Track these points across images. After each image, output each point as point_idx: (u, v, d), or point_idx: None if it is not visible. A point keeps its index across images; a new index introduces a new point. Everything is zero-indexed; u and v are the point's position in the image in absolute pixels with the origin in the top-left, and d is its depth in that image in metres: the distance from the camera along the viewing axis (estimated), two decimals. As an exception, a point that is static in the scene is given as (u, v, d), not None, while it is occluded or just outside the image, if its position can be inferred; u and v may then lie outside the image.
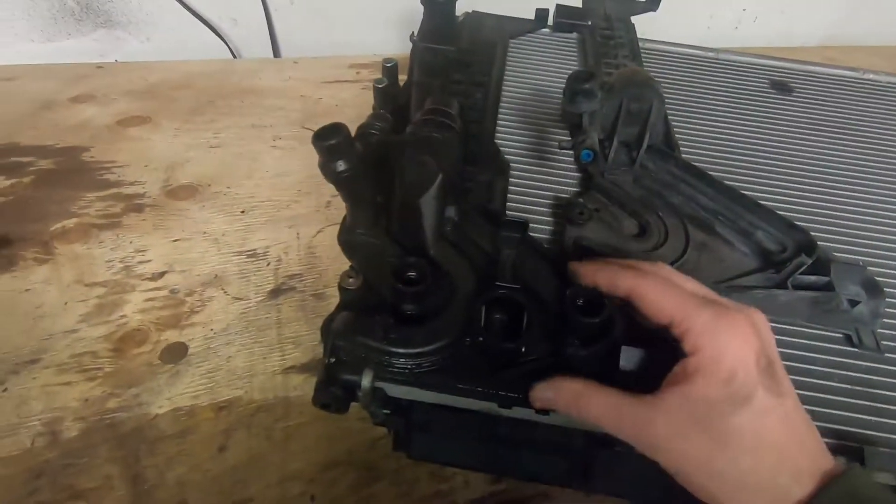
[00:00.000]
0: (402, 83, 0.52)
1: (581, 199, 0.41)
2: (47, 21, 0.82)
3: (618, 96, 0.43)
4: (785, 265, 0.37)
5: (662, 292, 0.28)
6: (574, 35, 0.62)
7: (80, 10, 0.83)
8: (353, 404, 0.31)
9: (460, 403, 0.31)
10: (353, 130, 0.34)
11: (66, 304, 0.50)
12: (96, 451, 0.41)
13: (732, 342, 0.26)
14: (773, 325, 0.29)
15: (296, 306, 0.52)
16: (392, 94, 0.49)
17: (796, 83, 0.60)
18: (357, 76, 0.83)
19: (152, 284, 0.52)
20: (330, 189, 0.32)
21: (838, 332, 0.37)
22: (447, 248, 0.36)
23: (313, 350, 0.48)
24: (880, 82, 0.62)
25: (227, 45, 0.89)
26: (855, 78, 0.62)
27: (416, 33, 0.55)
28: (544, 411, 0.30)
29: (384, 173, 0.35)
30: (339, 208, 0.36)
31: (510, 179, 0.43)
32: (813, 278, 0.37)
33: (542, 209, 0.42)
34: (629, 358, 0.30)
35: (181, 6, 0.83)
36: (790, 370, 0.28)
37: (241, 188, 0.63)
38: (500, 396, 0.30)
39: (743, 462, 0.25)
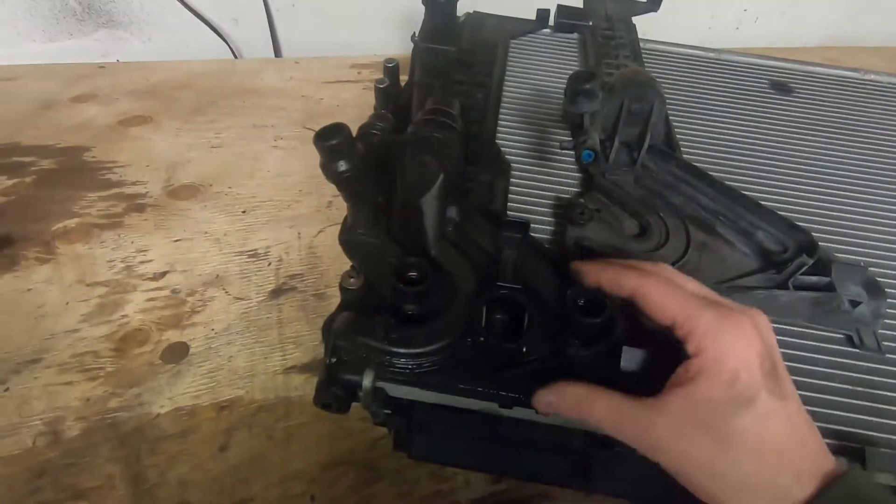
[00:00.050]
0: (403, 83, 0.52)
1: (582, 200, 0.41)
2: (49, 21, 0.82)
3: (619, 97, 0.43)
4: (786, 265, 0.37)
5: (666, 293, 0.28)
6: (575, 35, 0.62)
7: (82, 11, 0.83)
8: (354, 404, 0.31)
9: (461, 403, 0.31)
10: (354, 130, 0.34)
11: (67, 303, 0.50)
12: (98, 451, 0.41)
13: (736, 344, 0.26)
14: (774, 325, 0.29)
15: (297, 306, 0.52)
16: (393, 95, 0.50)
17: (797, 83, 0.60)
18: (358, 76, 0.84)
19: (154, 284, 0.53)
20: (331, 189, 0.32)
21: (839, 333, 0.37)
22: (448, 248, 0.36)
23: (314, 350, 0.48)
24: (881, 83, 0.62)
25: (229, 46, 0.89)
26: (856, 78, 0.62)
27: (417, 33, 0.55)
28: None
29: (385, 173, 0.35)
30: (341, 208, 0.36)
31: (511, 180, 0.43)
32: (814, 279, 0.37)
33: (543, 209, 0.42)
34: (630, 358, 0.30)
35: (183, 6, 0.84)
36: (791, 371, 0.28)
37: (243, 188, 0.63)
38: (500, 396, 0.30)
39: (746, 463, 0.25)
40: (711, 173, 0.43)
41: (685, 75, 0.59)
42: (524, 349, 0.31)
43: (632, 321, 0.31)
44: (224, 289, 0.53)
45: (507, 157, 0.45)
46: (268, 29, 0.90)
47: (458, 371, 0.31)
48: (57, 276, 0.53)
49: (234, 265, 0.55)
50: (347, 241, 0.36)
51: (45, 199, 0.60)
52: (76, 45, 0.85)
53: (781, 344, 0.29)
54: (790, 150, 0.51)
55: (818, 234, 0.39)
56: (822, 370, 0.35)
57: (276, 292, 0.53)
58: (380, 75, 0.50)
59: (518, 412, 0.31)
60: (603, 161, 0.44)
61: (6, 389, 0.44)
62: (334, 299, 0.34)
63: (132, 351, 0.47)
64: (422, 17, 0.56)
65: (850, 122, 0.55)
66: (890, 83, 0.62)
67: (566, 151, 0.44)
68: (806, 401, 0.29)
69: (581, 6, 0.64)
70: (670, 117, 0.49)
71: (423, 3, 0.55)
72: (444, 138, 0.38)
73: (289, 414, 0.44)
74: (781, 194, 0.46)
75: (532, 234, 0.37)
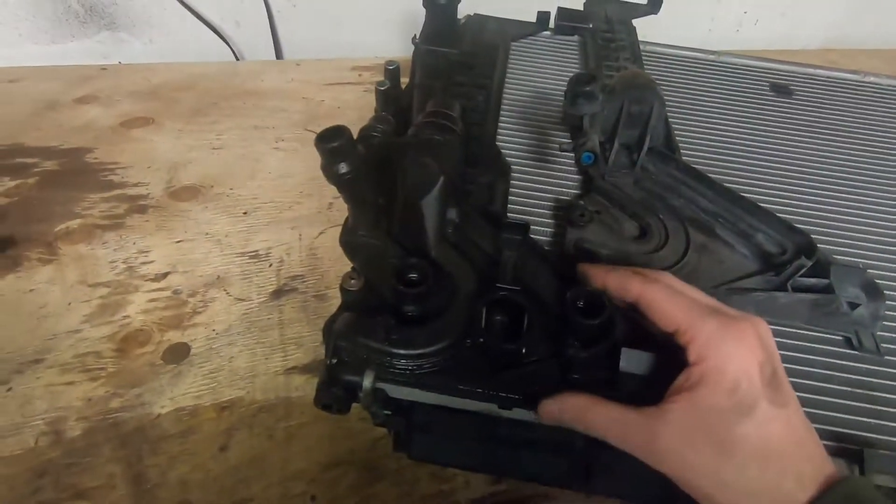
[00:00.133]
0: (404, 85, 0.52)
1: (582, 202, 0.41)
2: (52, 23, 0.83)
3: (619, 99, 0.43)
4: (785, 267, 0.37)
5: (670, 300, 0.28)
6: (575, 38, 0.62)
7: (85, 13, 0.83)
8: (355, 405, 0.31)
9: (461, 404, 0.31)
10: (354, 132, 0.34)
11: (69, 304, 0.50)
12: (99, 451, 0.41)
13: (737, 352, 0.26)
14: (773, 327, 0.29)
15: (298, 307, 0.52)
16: (394, 97, 0.50)
17: (797, 86, 0.60)
18: (359, 78, 0.84)
19: (155, 285, 0.53)
20: (332, 190, 0.33)
21: (838, 335, 0.37)
22: (448, 249, 0.36)
23: (315, 351, 0.48)
24: (881, 85, 0.62)
25: (230, 47, 0.89)
26: (856, 81, 0.62)
27: (418, 36, 0.55)
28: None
29: (386, 175, 0.36)
30: (341, 210, 0.36)
31: (511, 181, 0.43)
32: (813, 280, 0.37)
33: (542, 211, 0.42)
34: (629, 359, 0.30)
35: (184, 8, 0.84)
36: (790, 372, 0.28)
37: (244, 189, 0.63)
38: (500, 398, 0.31)
39: (749, 470, 0.25)
40: (711, 175, 0.43)
41: (685, 77, 0.59)
42: (524, 350, 0.31)
43: (631, 323, 0.31)
44: (225, 290, 0.53)
45: (507, 158, 0.45)
46: (269, 31, 0.90)
47: (457, 372, 0.31)
48: (59, 276, 0.53)
49: (235, 266, 0.55)
50: (348, 242, 0.36)
51: (48, 200, 0.60)
52: (78, 46, 0.85)
53: (780, 346, 0.29)
54: (789, 152, 0.51)
55: (817, 236, 0.39)
56: (820, 372, 0.35)
57: (277, 293, 0.53)
58: (381, 77, 0.50)
59: (518, 413, 0.31)
60: (603, 163, 0.44)
61: (9, 389, 0.44)
62: (335, 300, 0.34)
63: (133, 351, 0.48)
64: (423, 19, 0.56)
65: (849, 124, 0.55)
66: (890, 86, 0.62)
67: (566, 153, 0.44)
68: (805, 402, 0.29)
69: (581, 8, 0.64)
70: (670, 119, 0.49)
71: (423, 5, 0.55)
72: (444, 140, 0.38)
73: (289, 414, 0.44)
74: (781, 196, 0.46)
75: (532, 236, 0.37)
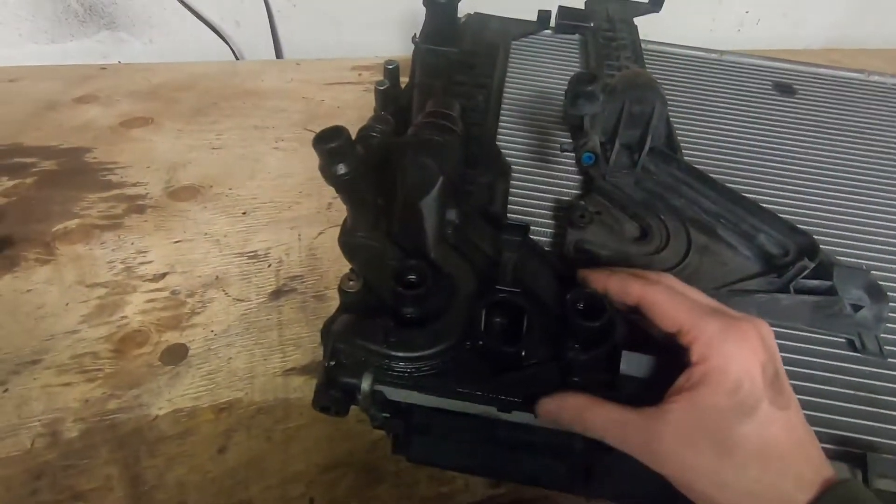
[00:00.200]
0: (403, 85, 0.52)
1: (582, 202, 0.41)
2: (51, 23, 0.83)
3: (620, 98, 0.42)
4: (787, 269, 0.37)
5: (672, 301, 0.28)
6: (576, 37, 0.62)
7: (84, 12, 0.83)
8: (354, 407, 0.31)
9: (460, 407, 0.31)
10: (354, 132, 0.34)
11: (67, 304, 0.50)
12: (96, 452, 0.41)
13: (739, 352, 0.26)
14: (775, 329, 0.29)
15: (297, 308, 0.52)
16: (393, 96, 0.49)
17: (800, 85, 0.59)
18: (359, 78, 0.83)
19: (153, 285, 0.53)
20: (331, 191, 0.32)
21: (841, 337, 0.36)
22: (448, 250, 0.35)
23: (314, 352, 0.48)
24: (885, 84, 0.61)
25: (230, 47, 0.89)
26: (860, 80, 0.62)
27: (418, 35, 0.55)
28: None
29: (385, 176, 0.35)
30: (341, 210, 0.36)
31: (511, 182, 0.43)
32: (815, 282, 0.37)
33: (543, 212, 0.42)
34: (630, 362, 0.30)
35: (184, 8, 0.84)
36: (792, 375, 0.28)
37: (243, 189, 0.63)
38: (499, 400, 0.30)
39: (749, 470, 0.25)
40: (713, 175, 0.43)
41: (687, 77, 0.59)
42: (523, 353, 0.31)
43: (631, 326, 0.31)
44: (224, 290, 0.53)
45: (507, 159, 0.45)
46: (269, 30, 0.90)
47: (457, 375, 0.31)
48: (57, 276, 0.53)
49: (234, 266, 0.55)
50: (347, 243, 0.36)
51: (46, 200, 0.60)
52: (78, 46, 0.85)
53: (782, 348, 0.29)
54: (792, 152, 0.50)
55: (820, 237, 0.39)
56: (823, 374, 0.34)
57: (276, 294, 0.53)
58: (380, 77, 0.50)
59: (517, 416, 0.31)
60: (603, 163, 0.43)
61: (5, 390, 0.44)
62: (334, 301, 0.34)
63: (131, 352, 0.47)
64: (423, 18, 0.56)
65: (853, 124, 0.55)
66: (894, 85, 0.61)
67: (567, 153, 0.44)
68: (807, 405, 0.29)
69: (582, 7, 0.64)
70: (671, 119, 0.49)
71: (423, 4, 0.55)
72: (444, 141, 0.38)
73: (288, 416, 0.44)
74: (783, 196, 0.46)
75: (532, 237, 0.37)
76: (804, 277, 0.37)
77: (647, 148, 0.43)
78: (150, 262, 0.55)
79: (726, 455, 0.25)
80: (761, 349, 0.27)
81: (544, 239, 0.40)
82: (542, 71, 0.56)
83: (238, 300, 0.52)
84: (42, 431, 0.42)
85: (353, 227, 0.36)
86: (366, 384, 0.29)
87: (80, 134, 0.68)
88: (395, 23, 0.91)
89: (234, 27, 0.89)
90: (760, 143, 0.51)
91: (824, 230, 0.43)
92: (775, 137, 0.52)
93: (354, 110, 0.76)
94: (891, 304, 0.37)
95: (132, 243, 0.56)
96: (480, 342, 0.31)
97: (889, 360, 0.35)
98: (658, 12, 0.63)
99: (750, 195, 0.41)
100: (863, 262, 0.41)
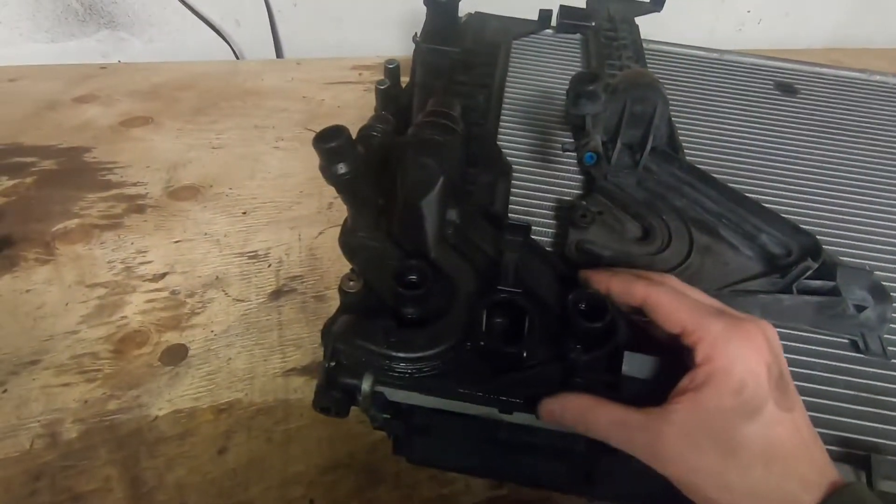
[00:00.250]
0: (404, 84, 0.51)
1: (584, 202, 0.41)
2: (51, 22, 0.82)
3: (621, 98, 0.42)
4: (790, 269, 0.37)
5: (676, 302, 0.28)
6: (577, 36, 0.62)
7: (84, 12, 0.83)
8: (354, 408, 0.31)
9: (461, 408, 0.31)
10: (355, 132, 0.33)
11: (66, 304, 0.50)
12: (96, 453, 0.41)
13: (744, 353, 0.26)
14: (778, 330, 0.28)
15: (297, 308, 0.52)
16: (394, 96, 0.49)
17: (802, 85, 0.59)
18: (359, 77, 0.83)
19: (153, 285, 0.52)
20: (332, 190, 0.32)
21: (844, 338, 0.36)
22: (448, 250, 0.35)
23: (314, 352, 0.48)
24: (888, 84, 0.61)
25: (231, 47, 0.89)
26: (862, 80, 0.61)
27: (418, 34, 0.55)
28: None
29: (385, 175, 0.35)
30: (341, 210, 0.35)
31: (512, 182, 0.43)
32: (818, 283, 0.36)
33: (544, 212, 0.42)
34: (632, 363, 0.30)
35: (184, 7, 0.84)
36: (795, 376, 0.28)
37: (243, 189, 0.63)
38: (501, 401, 0.30)
39: (754, 471, 0.25)
40: (715, 175, 0.43)
41: (688, 76, 0.59)
42: (525, 353, 0.31)
43: (633, 326, 0.31)
44: (224, 290, 0.53)
45: (508, 158, 0.45)
46: (269, 30, 0.89)
47: (458, 375, 0.30)
48: (56, 276, 0.52)
49: (234, 266, 0.55)
50: (347, 243, 0.36)
51: (46, 200, 0.59)
52: (78, 45, 0.85)
53: (785, 349, 0.29)
54: (794, 151, 0.50)
55: (823, 238, 0.39)
56: (826, 375, 0.34)
57: (276, 294, 0.53)
58: (381, 76, 0.50)
59: (518, 417, 0.31)
60: (605, 163, 0.43)
61: (4, 391, 0.44)
62: (334, 301, 0.34)
63: (131, 352, 0.47)
64: (423, 17, 0.56)
65: (856, 123, 0.54)
66: (896, 84, 0.61)
67: (568, 153, 0.44)
68: (810, 407, 0.28)
69: (584, 6, 0.63)
70: (673, 119, 0.49)
71: (424, 3, 0.55)
72: (444, 140, 0.37)
73: (288, 416, 0.44)
74: (785, 196, 0.45)
75: (533, 237, 0.37)
76: (807, 278, 0.36)
77: (648, 148, 0.43)
78: (149, 262, 0.54)
79: (731, 456, 0.25)
80: (766, 350, 0.26)
81: (546, 239, 0.40)
82: (544, 70, 0.56)
83: (238, 300, 0.52)
84: (41, 432, 0.42)
85: (354, 227, 0.35)
86: (366, 385, 0.29)
87: (79, 133, 0.68)
88: (396, 22, 0.91)
89: (234, 26, 0.88)
90: (762, 143, 0.51)
91: (827, 230, 0.43)
92: (777, 137, 0.52)
93: (355, 110, 0.76)
94: (894, 304, 0.37)
95: (132, 243, 0.56)
96: (481, 343, 0.31)
97: (893, 360, 0.35)
98: (659, 12, 0.63)
99: (752, 195, 0.41)
100: (866, 262, 0.41)
